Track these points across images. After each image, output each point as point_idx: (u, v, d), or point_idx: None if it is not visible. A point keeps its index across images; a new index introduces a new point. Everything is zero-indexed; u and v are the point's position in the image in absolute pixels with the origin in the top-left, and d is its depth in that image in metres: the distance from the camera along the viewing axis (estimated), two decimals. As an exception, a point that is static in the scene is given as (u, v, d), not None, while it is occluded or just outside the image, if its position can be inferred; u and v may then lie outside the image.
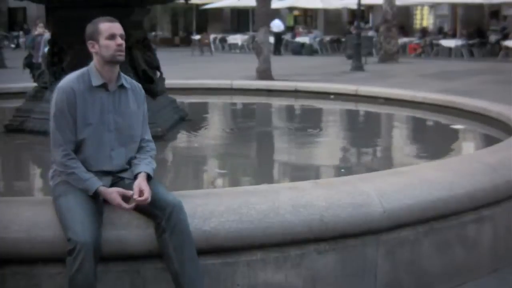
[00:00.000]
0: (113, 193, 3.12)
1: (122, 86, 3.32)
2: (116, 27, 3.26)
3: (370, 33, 29.73)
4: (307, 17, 40.81)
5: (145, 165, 3.28)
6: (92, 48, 3.26)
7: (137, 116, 3.36)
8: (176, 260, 3.08)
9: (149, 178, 3.22)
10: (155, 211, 3.12)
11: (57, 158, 3.19)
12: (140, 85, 3.48)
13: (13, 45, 35.81)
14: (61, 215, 3.07)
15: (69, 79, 3.25)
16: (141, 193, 3.10)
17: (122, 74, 3.36)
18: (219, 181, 5.57)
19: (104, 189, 3.14)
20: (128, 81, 3.39)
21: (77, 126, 3.19)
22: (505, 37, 27.63)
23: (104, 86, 3.26)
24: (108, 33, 3.22)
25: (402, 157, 6.57)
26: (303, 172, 5.77)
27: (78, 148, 3.21)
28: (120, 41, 3.24)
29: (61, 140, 3.17)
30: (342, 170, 5.73)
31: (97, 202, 3.14)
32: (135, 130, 3.35)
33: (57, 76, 6.68)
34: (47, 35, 11.15)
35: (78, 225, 2.96)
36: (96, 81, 3.24)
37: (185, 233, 3.09)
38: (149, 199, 3.10)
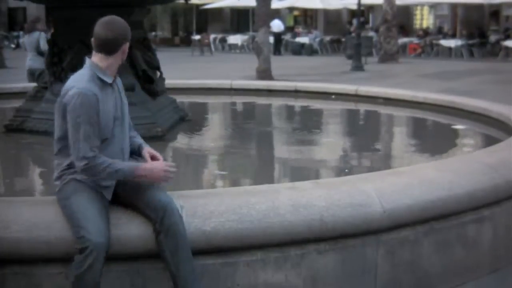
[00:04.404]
0: (155, 163, 3.26)
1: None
2: None
3: (370, 33, 29.76)
4: (307, 17, 40.82)
5: (139, 138, 3.49)
6: (126, 49, 3.23)
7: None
8: (172, 262, 3.09)
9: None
10: (149, 213, 3.13)
11: (90, 162, 3.06)
12: None
13: (13, 45, 35.81)
14: (72, 213, 3.04)
15: (85, 82, 3.12)
16: (154, 157, 3.31)
17: None
18: (219, 181, 5.57)
19: (145, 165, 3.24)
20: None
21: (99, 128, 3.12)
22: (507, 37, 27.65)
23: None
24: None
25: (402, 157, 6.57)
26: (303, 172, 5.77)
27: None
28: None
29: (88, 147, 3.05)
30: (346, 170, 5.72)
31: (105, 201, 3.15)
32: (129, 117, 3.45)
33: (57, 76, 6.69)
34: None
35: (92, 224, 2.96)
36: (109, 79, 3.21)
37: (178, 236, 3.08)
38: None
